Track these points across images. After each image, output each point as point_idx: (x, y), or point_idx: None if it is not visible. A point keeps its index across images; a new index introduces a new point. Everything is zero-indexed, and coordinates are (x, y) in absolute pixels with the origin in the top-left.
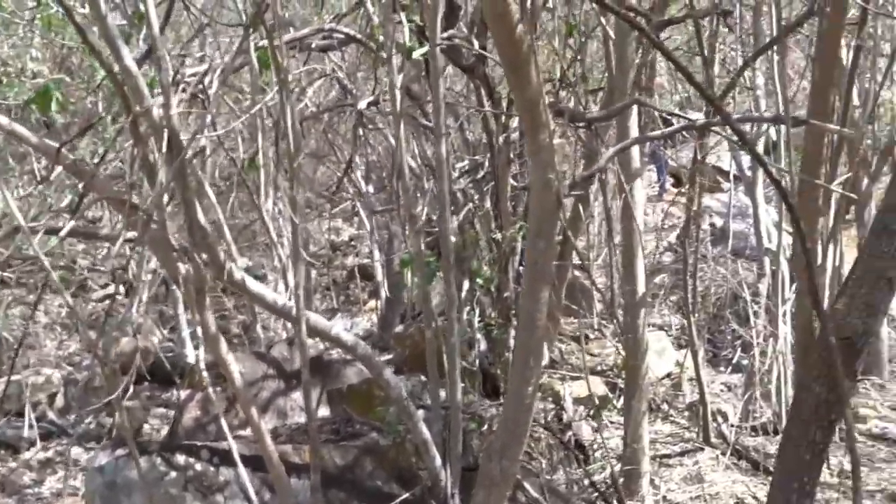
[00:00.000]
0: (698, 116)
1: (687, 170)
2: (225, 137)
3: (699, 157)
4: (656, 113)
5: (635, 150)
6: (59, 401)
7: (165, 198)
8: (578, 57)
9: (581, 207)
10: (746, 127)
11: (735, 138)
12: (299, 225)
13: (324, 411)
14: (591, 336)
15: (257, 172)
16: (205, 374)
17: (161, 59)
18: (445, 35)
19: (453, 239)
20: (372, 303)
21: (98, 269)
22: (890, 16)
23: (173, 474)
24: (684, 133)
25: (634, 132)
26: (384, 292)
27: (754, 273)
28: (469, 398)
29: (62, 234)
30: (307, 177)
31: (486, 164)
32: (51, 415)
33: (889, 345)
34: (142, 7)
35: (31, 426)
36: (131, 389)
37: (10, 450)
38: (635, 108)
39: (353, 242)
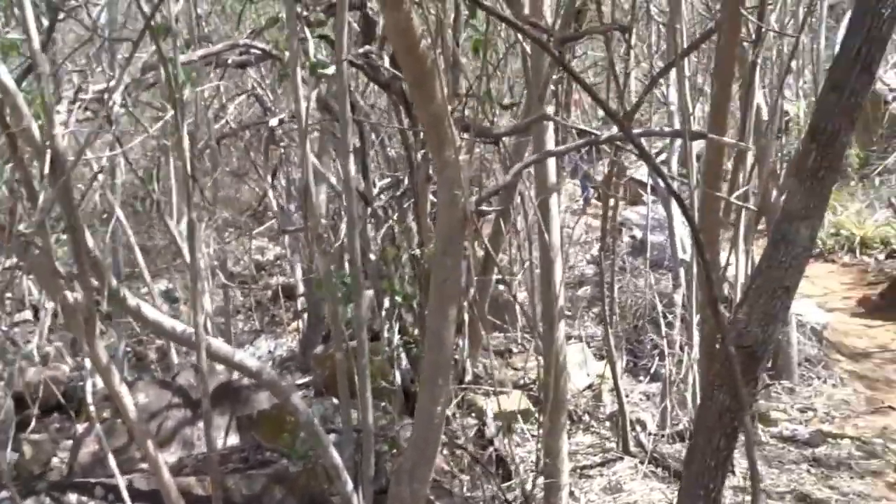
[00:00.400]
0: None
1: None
2: (139, 156)
3: (613, 172)
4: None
5: (551, 165)
6: None
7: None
8: (498, 72)
9: (502, 223)
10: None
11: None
12: (219, 245)
13: (233, 439)
14: (515, 350)
15: (160, 189)
16: (91, 407)
17: (41, 74)
18: (362, 50)
19: (373, 257)
20: (296, 323)
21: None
22: (784, 33)
23: None
24: (605, 148)
25: (551, 147)
26: (305, 312)
27: (671, 286)
28: (385, 419)
29: None
30: (228, 195)
31: (406, 180)
32: None
33: (798, 349)
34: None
35: None
36: (34, 422)
37: None
38: (552, 122)
39: (278, 262)
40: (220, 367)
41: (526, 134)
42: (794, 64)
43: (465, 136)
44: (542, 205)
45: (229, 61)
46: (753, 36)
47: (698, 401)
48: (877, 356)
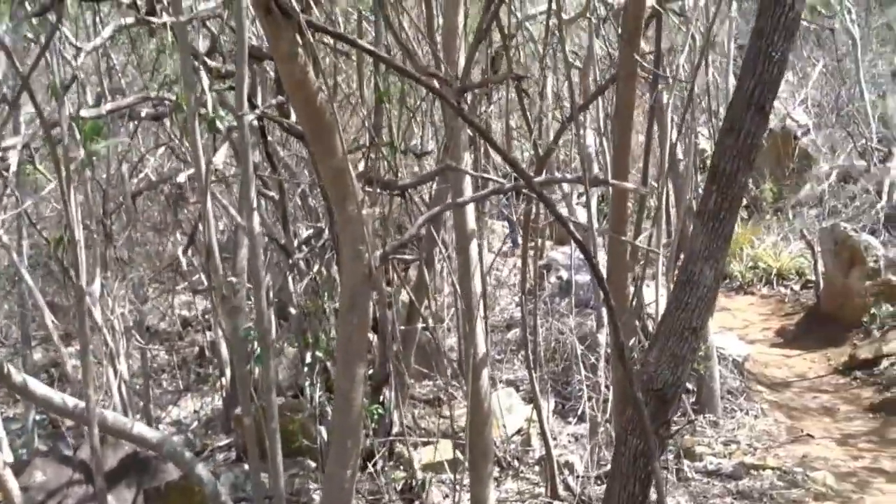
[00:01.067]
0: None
1: (535, 225)
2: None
3: (530, 214)
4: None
5: (470, 211)
6: None
7: None
8: (417, 120)
9: (426, 271)
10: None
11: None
12: (134, 305)
13: None
14: (444, 398)
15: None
16: None
17: None
18: (276, 101)
19: (293, 311)
20: (222, 381)
21: None
22: (679, 80)
23: None
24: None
25: (469, 195)
26: (228, 370)
27: (595, 326)
28: (303, 480)
29: None
30: (150, 251)
31: (328, 230)
32: None
33: (721, 382)
34: None
35: None
36: None
37: None
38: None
39: (206, 316)
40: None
41: (446, 181)
42: (706, 104)
43: (370, 189)
44: (462, 251)
45: (143, 114)
46: (651, 80)
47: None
48: (795, 385)
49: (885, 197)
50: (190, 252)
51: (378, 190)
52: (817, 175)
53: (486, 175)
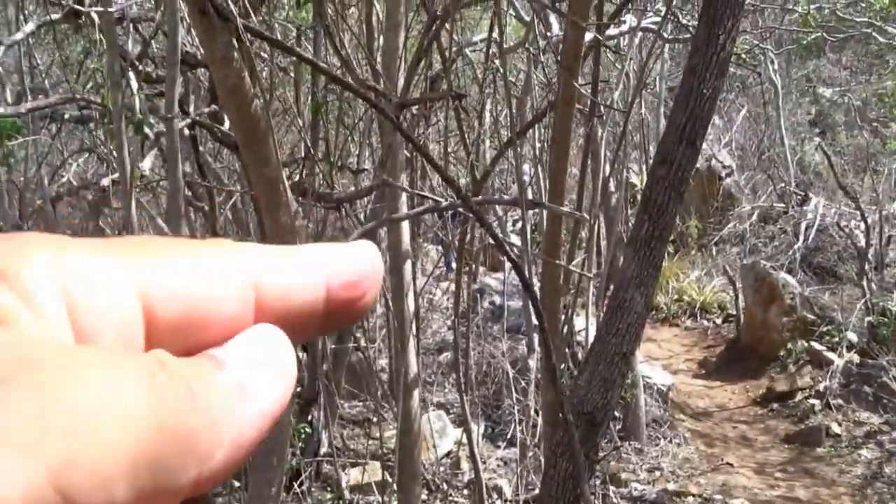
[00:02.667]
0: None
1: (469, 249)
2: None
3: (465, 238)
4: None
5: (405, 231)
6: None
7: None
8: (353, 136)
9: None
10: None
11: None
12: None
13: None
14: (374, 419)
15: None
16: None
17: None
18: (208, 109)
19: None
20: None
21: None
22: (614, 109)
23: None
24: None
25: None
26: None
27: (526, 351)
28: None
29: None
30: None
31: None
32: None
33: (646, 410)
34: None
35: None
36: None
37: None
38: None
39: None
40: None
41: (382, 200)
42: (637, 138)
43: (304, 200)
44: (396, 271)
45: (66, 116)
46: (587, 111)
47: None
48: (716, 415)
49: (801, 238)
50: None
51: (312, 203)
52: (740, 214)
53: (422, 193)
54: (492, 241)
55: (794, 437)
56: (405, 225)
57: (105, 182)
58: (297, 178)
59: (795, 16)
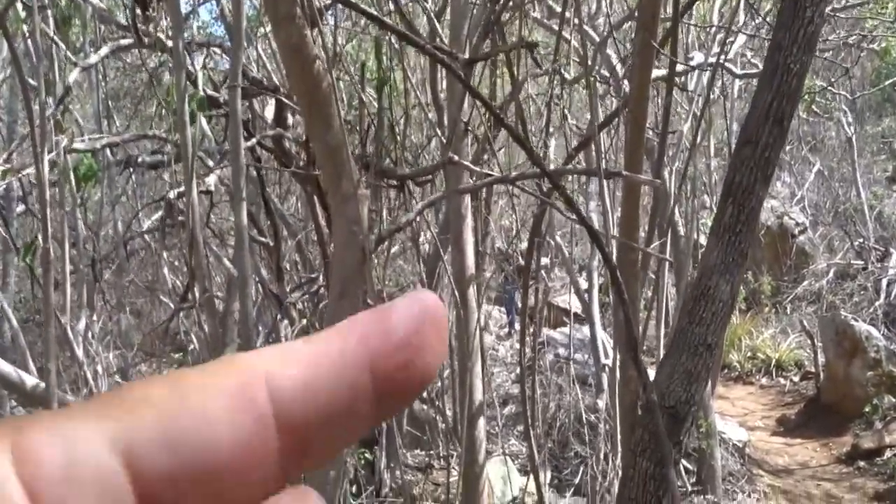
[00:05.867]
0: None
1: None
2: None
3: (540, 295)
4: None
5: (470, 256)
6: None
7: None
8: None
9: None
10: None
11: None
12: (120, 353)
13: None
14: (437, 466)
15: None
16: None
17: None
18: (272, 133)
19: None
20: None
21: None
22: (696, 67)
23: None
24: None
25: (468, 206)
26: None
27: (594, 395)
28: None
29: None
30: (139, 314)
31: (321, 278)
32: None
33: (721, 464)
34: None
35: None
36: None
37: None
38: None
39: None
40: None
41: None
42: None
43: (366, 175)
44: (461, 298)
45: (139, 160)
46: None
47: None
48: (797, 472)
49: (882, 294)
50: (181, 315)
51: (374, 179)
52: (815, 272)
53: (490, 172)
54: (554, 303)
55: (885, 495)
56: (469, 248)
57: (172, 194)
58: (358, 151)
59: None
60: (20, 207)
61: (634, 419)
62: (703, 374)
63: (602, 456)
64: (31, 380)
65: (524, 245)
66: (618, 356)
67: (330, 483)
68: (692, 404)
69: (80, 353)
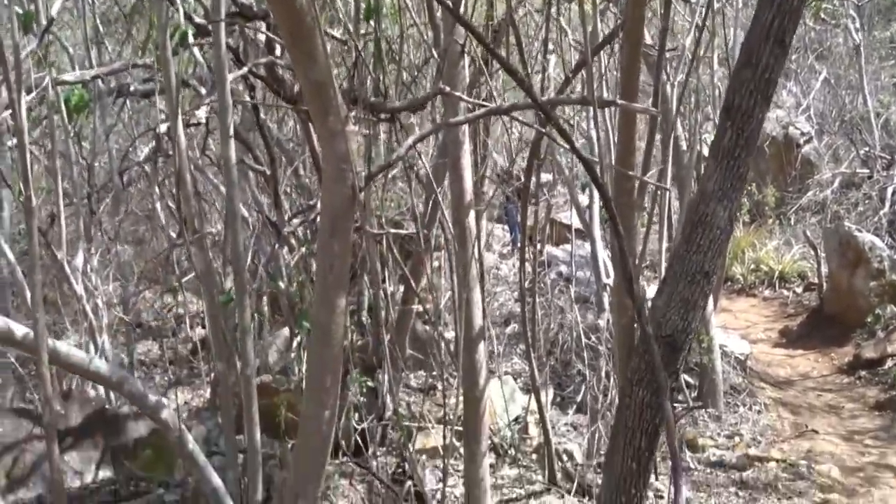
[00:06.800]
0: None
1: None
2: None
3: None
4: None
5: (468, 183)
6: None
7: None
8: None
9: (423, 253)
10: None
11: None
12: (122, 286)
13: (105, 472)
14: (439, 387)
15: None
16: None
17: None
18: (265, 60)
19: (282, 285)
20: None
21: None
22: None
23: None
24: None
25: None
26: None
27: (596, 314)
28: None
29: None
30: (141, 246)
31: (319, 205)
32: None
33: (723, 378)
34: None
35: None
36: None
37: None
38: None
39: (201, 314)
40: (94, 394)
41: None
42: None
43: (356, 108)
44: (459, 226)
45: (132, 89)
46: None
47: None
48: (799, 384)
49: (888, 203)
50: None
51: (363, 113)
52: (820, 182)
53: (482, 102)
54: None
55: (886, 404)
56: (467, 174)
57: (162, 128)
58: (346, 85)
59: None
60: (12, 141)
61: (631, 347)
62: (700, 302)
63: (603, 374)
64: (20, 329)
65: (525, 163)
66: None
67: (326, 423)
68: (689, 333)
69: (78, 287)
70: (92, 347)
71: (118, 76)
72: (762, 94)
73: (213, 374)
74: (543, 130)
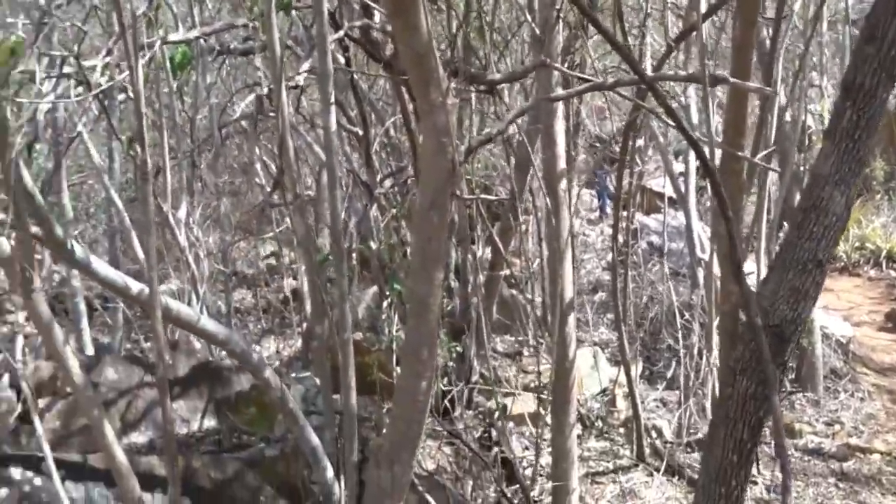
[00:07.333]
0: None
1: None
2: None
3: (633, 179)
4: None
5: (560, 151)
6: None
7: None
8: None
9: (512, 218)
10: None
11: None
12: (221, 238)
13: (210, 422)
14: (526, 353)
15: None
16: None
17: None
18: (360, 24)
19: (374, 245)
20: (305, 325)
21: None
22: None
23: (3, 491)
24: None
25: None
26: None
27: (689, 289)
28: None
29: None
30: (237, 198)
31: (411, 167)
32: None
33: (823, 361)
34: None
35: None
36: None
37: None
38: (556, 79)
39: (293, 265)
40: (198, 346)
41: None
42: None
43: (456, 81)
44: (551, 194)
45: (232, 48)
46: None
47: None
48: None
49: None
50: (276, 197)
51: (464, 85)
52: None
53: (584, 76)
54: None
55: None
56: (560, 140)
57: (263, 90)
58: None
59: None
60: (122, 96)
61: (734, 334)
62: (811, 293)
63: (695, 352)
64: (136, 285)
65: (616, 127)
66: (714, 253)
67: (422, 393)
68: (799, 324)
69: (182, 238)
70: (193, 296)
71: (218, 35)
72: (887, 71)
73: (304, 326)
74: (646, 106)
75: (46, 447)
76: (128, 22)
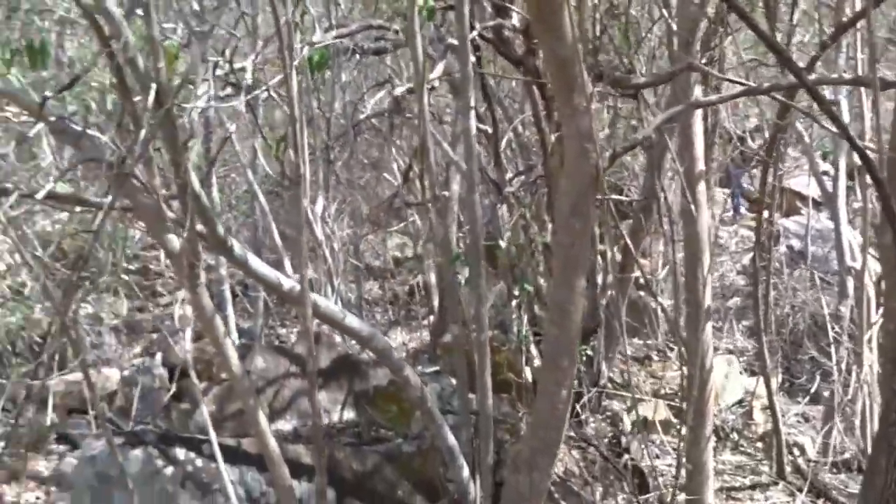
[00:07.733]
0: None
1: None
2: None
3: (772, 179)
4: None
5: (699, 153)
6: (119, 400)
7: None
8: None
9: (643, 219)
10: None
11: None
12: (353, 231)
13: (349, 414)
14: (655, 358)
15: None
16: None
17: (147, 6)
18: (493, 23)
19: (503, 244)
20: (431, 318)
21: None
22: None
23: (170, 469)
24: (759, 155)
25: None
26: (436, 301)
27: (835, 297)
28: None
29: (39, 196)
30: (367, 191)
31: (540, 166)
32: (109, 414)
33: None
34: None
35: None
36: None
37: (70, 445)
38: (694, 77)
39: (420, 259)
40: (339, 339)
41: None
42: None
43: (598, 84)
44: (689, 197)
45: (365, 47)
46: None
47: (869, 427)
48: None
49: None
50: (404, 191)
51: (608, 89)
52: None
53: (734, 79)
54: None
55: None
56: (699, 141)
57: (399, 90)
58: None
59: None
60: (264, 94)
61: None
62: None
63: (844, 367)
64: (287, 282)
65: (752, 122)
66: (867, 262)
67: (562, 402)
68: None
69: (319, 232)
70: (328, 288)
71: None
72: None
73: (430, 318)
74: (803, 110)
75: (212, 432)
76: (284, 30)
